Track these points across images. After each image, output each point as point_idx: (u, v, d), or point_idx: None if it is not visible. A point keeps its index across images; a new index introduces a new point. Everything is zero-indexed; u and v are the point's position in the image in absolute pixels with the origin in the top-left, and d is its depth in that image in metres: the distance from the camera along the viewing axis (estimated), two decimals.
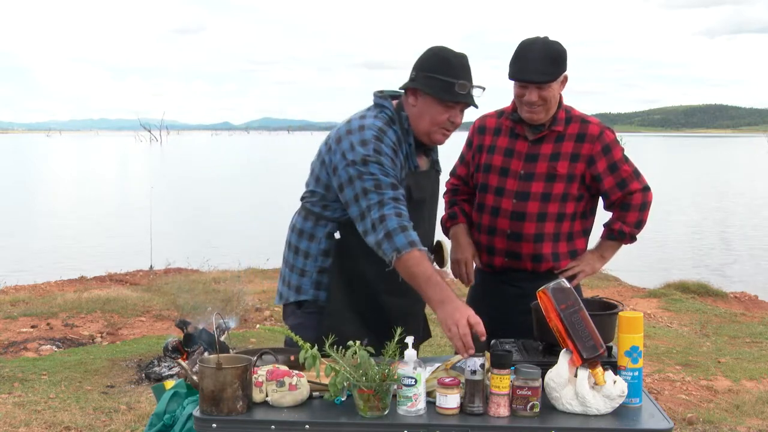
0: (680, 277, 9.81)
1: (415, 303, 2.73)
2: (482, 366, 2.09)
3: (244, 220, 18.45)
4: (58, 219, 18.86)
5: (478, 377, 2.08)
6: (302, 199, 2.71)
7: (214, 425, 2.03)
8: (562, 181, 2.81)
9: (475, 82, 2.54)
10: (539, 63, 2.70)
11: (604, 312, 2.39)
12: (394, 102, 2.62)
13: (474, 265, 2.96)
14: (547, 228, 2.82)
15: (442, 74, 2.49)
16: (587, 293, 3.55)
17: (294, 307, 2.70)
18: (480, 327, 2.21)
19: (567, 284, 2.19)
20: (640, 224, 2.89)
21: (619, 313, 2.25)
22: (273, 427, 2.02)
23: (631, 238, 2.91)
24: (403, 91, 2.62)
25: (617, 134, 2.92)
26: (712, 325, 7.37)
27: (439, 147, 2.75)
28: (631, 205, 2.86)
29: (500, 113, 2.98)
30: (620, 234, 2.89)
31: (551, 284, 2.18)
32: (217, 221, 18.35)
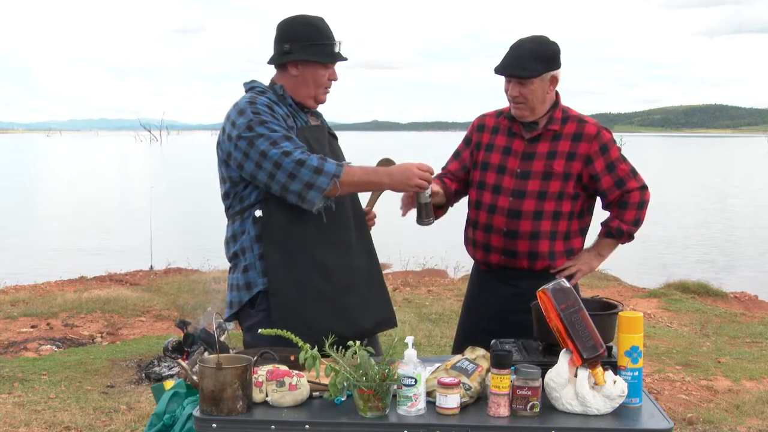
0: (680, 277, 9.80)
1: (369, 263, 2.74)
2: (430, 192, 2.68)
3: None
4: (58, 219, 18.83)
5: (428, 199, 2.68)
6: (226, 212, 2.73)
7: (214, 425, 2.03)
8: (558, 180, 2.82)
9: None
10: (523, 59, 2.76)
11: (604, 312, 2.39)
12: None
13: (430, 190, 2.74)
14: (543, 226, 2.83)
15: (319, 40, 2.64)
16: (587, 293, 3.56)
17: (248, 309, 2.66)
18: (425, 165, 2.61)
19: (567, 284, 2.19)
20: (637, 223, 2.90)
21: (619, 313, 2.25)
22: (273, 427, 2.02)
23: (629, 237, 2.92)
24: (274, 71, 2.72)
25: (617, 134, 2.93)
26: (712, 325, 7.36)
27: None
28: (628, 204, 2.87)
29: (499, 113, 3.01)
30: (618, 232, 2.90)
31: (551, 284, 2.18)
32: (218, 221, 18.25)
